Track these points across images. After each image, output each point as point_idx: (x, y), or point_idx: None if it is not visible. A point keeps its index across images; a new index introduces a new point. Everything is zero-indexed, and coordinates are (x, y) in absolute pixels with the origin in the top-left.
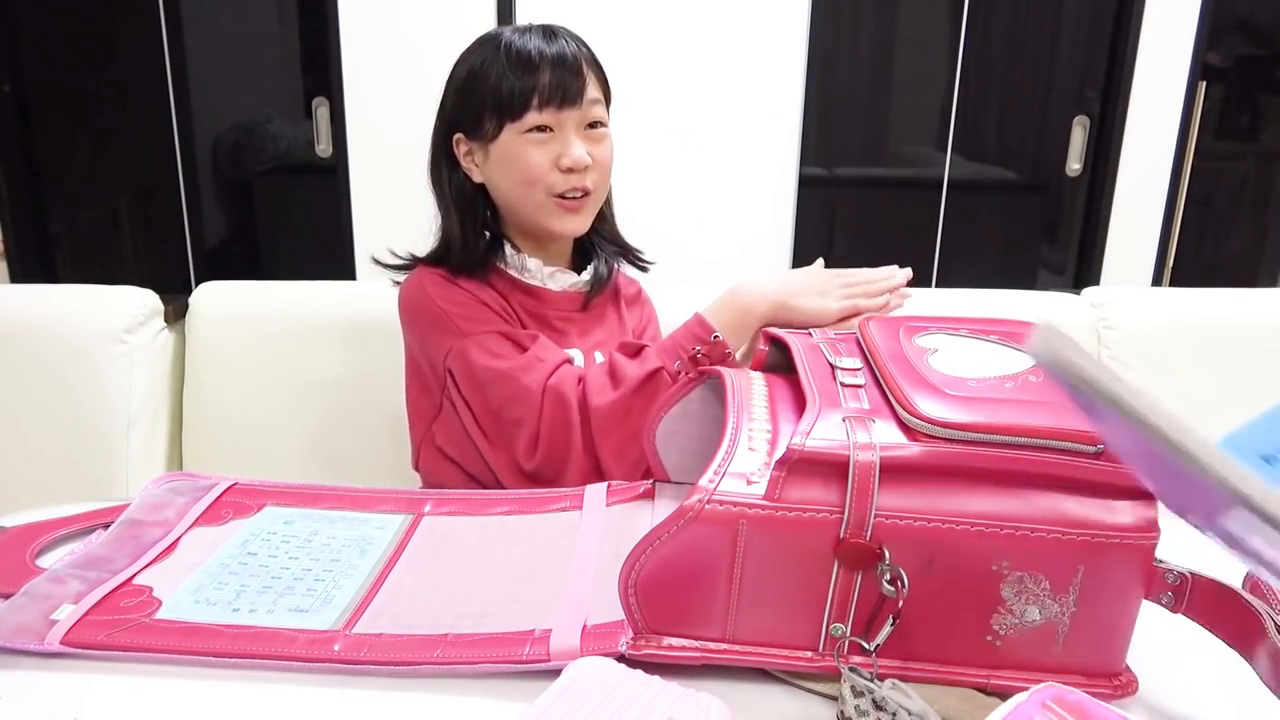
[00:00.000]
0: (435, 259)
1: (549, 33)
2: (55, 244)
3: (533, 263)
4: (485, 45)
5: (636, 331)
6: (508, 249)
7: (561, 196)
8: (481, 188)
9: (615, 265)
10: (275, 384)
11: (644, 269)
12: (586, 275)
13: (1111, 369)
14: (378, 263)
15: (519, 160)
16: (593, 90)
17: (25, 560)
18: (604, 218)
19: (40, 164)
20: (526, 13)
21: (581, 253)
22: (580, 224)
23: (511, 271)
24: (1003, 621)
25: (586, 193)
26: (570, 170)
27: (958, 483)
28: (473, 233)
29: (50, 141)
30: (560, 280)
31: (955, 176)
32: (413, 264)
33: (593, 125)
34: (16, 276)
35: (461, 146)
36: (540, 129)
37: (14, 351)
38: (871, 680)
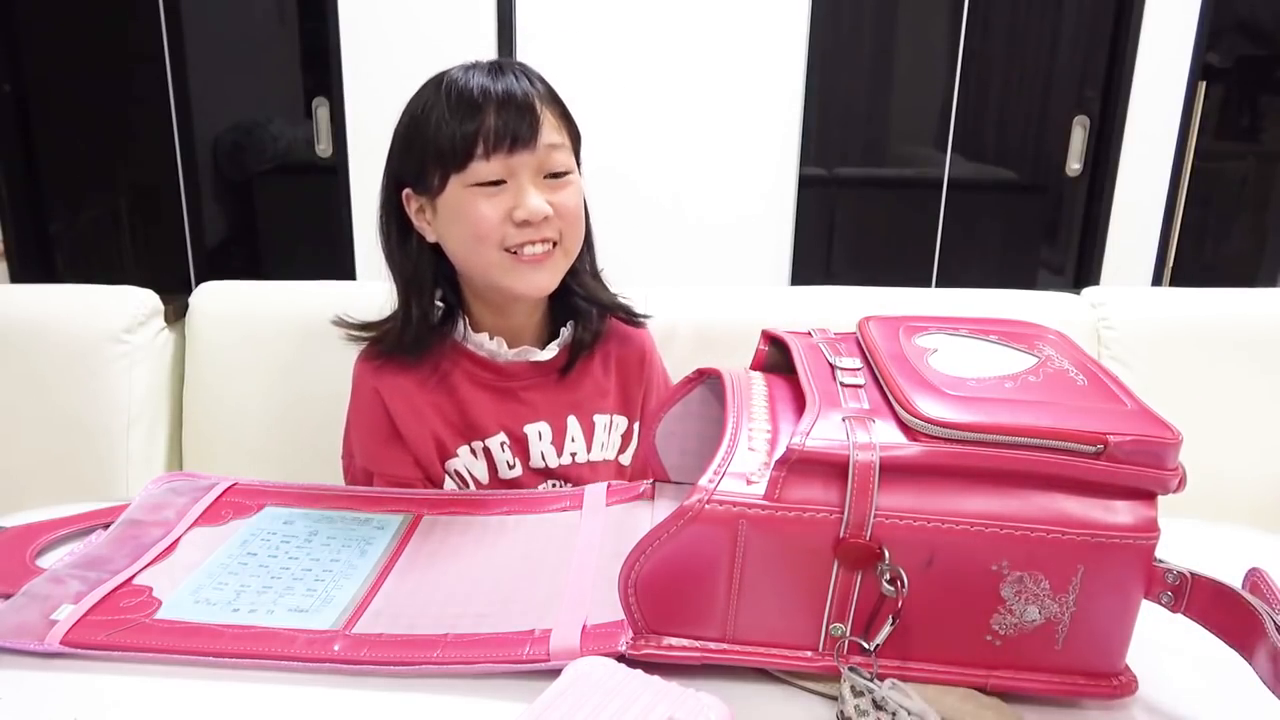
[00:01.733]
0: (381, 339)
1: (496, 69)
2: (55, 244)
3: (492, 344)
4: (428, 87)
5: (623, 398)
6: (465, 327)
7: (519, 251)
8: (437, 248)
9: (599, 327)
10: (276, 384)
11: (638, 325)
12: (551, 352)
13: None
14: (339, 323)
15: (467, 216)
16: (550, 133)
17: (25, 560)
18: (577, 272)
19: (40, 164)
20: (527, 13)
21: (560, 316)
22: (546, 280)
23: (469, 346)
24: (1002, 621)
25: (552, 245)
26: (526, 223)
27: (957, 483)
28: (419, 307)
29: (50, 141)
30: (526, 355)
31: (955, 176)
32: (364, 333)
33: (554, 175)
34: (16, 276)
35: (412, 203)
36: (490, 182)
37: (14, 351)
38: (871, 680)
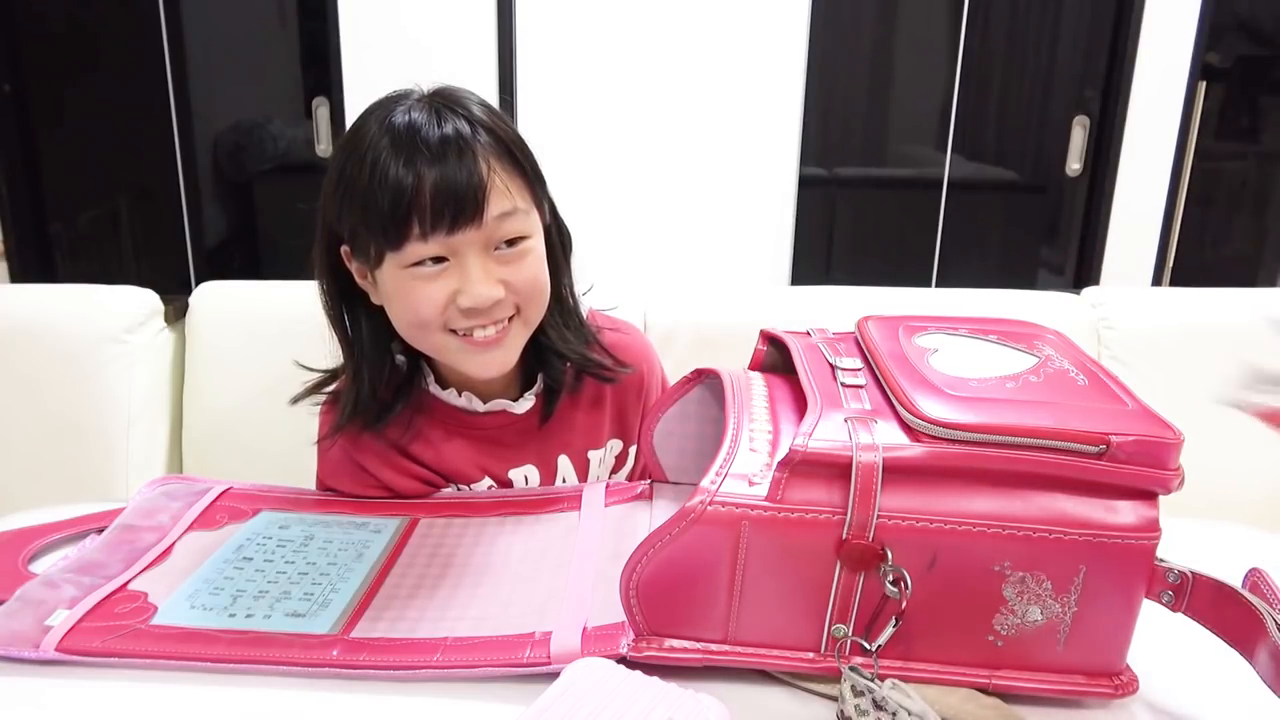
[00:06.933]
0: (340, 410)
1: (439, 116)
2: (55, 244)
3: (462, 400)
4: (361, 133)
5: (619, 424)
6: (431, 383)
7: (469, 333)
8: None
9: (574, 377)
10: (275, 384)
11: (610, 380)
12: (527, 403)
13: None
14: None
15: (405, 300)
16: (499, 201)
17: (17, 565)
18: (544, 326)
19: (40, 164)
20: (526, 13)
21: (536, 360)
22: (503, 359)
23: (444, 397)
24: (1004, 621)
25: (509, 319)
26: (472, 310)
27: (960, 483)
28: (372, 378)
29: (50, 141)
30: (502, 407)
31: (955, 176)
32: (328, 381)
33: (509, 242)
34: (16, 276)
35: (352, 262)
36: (432, 259)
37: (14, 351)
38: (872, 680)
